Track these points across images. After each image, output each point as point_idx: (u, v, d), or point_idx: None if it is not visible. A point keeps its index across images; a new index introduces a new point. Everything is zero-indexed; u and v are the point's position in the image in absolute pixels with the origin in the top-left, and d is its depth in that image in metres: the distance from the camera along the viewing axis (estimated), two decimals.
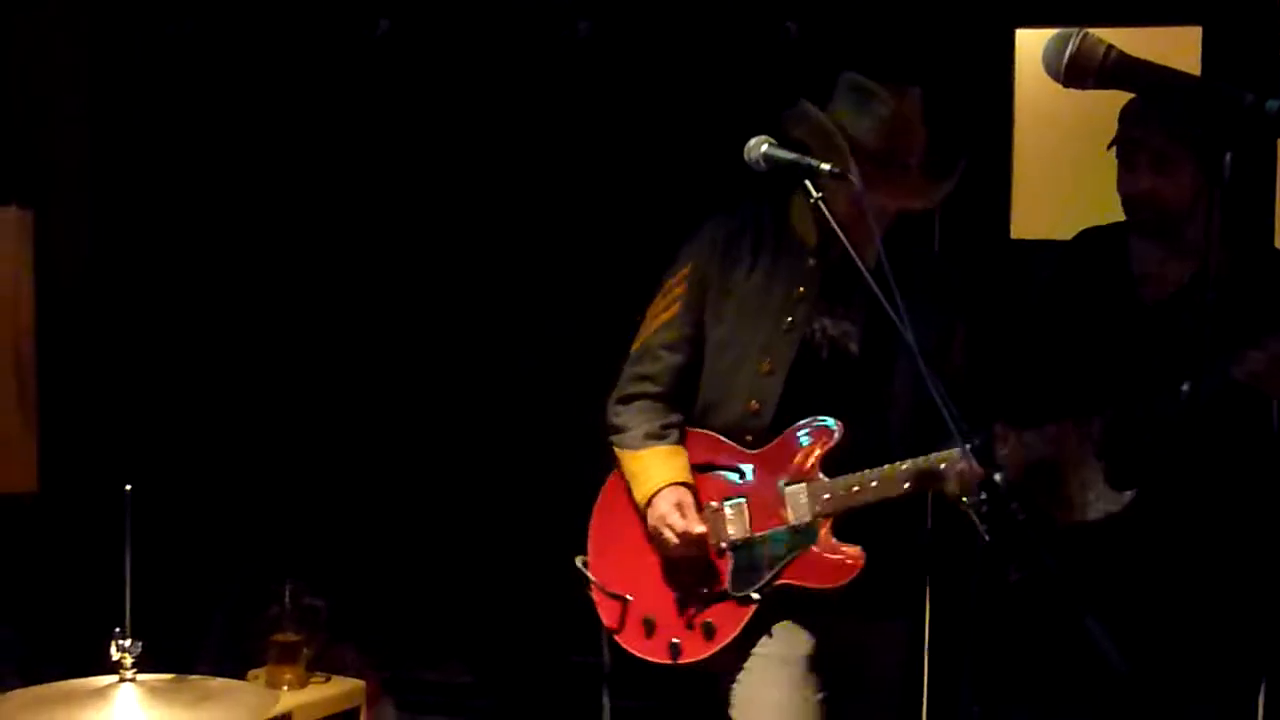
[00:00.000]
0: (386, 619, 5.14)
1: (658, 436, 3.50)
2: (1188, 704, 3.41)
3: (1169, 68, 2.28)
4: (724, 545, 3.40)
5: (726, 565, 3.40)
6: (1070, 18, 4.14)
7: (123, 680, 2.74)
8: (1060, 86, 2.39)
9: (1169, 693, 3.34)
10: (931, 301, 3.34)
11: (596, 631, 4.45)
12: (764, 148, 3.11)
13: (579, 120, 5.02)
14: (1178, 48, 4.41)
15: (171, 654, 3.14)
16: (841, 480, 3.30)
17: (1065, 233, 3.77)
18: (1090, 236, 3.68)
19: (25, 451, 4.67)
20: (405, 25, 5.10)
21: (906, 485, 3.24)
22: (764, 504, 3.38)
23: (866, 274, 2.89)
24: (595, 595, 3.57)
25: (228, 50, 5.24)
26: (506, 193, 5.14)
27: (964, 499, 2.81)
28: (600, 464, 3.65)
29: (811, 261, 3.38)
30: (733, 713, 3.43)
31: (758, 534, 3.37)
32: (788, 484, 3.35)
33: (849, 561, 3.28)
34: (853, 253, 2.94)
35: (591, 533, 3.63)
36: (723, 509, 3.42)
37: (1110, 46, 2.26)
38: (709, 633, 3.39)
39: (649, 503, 3.43)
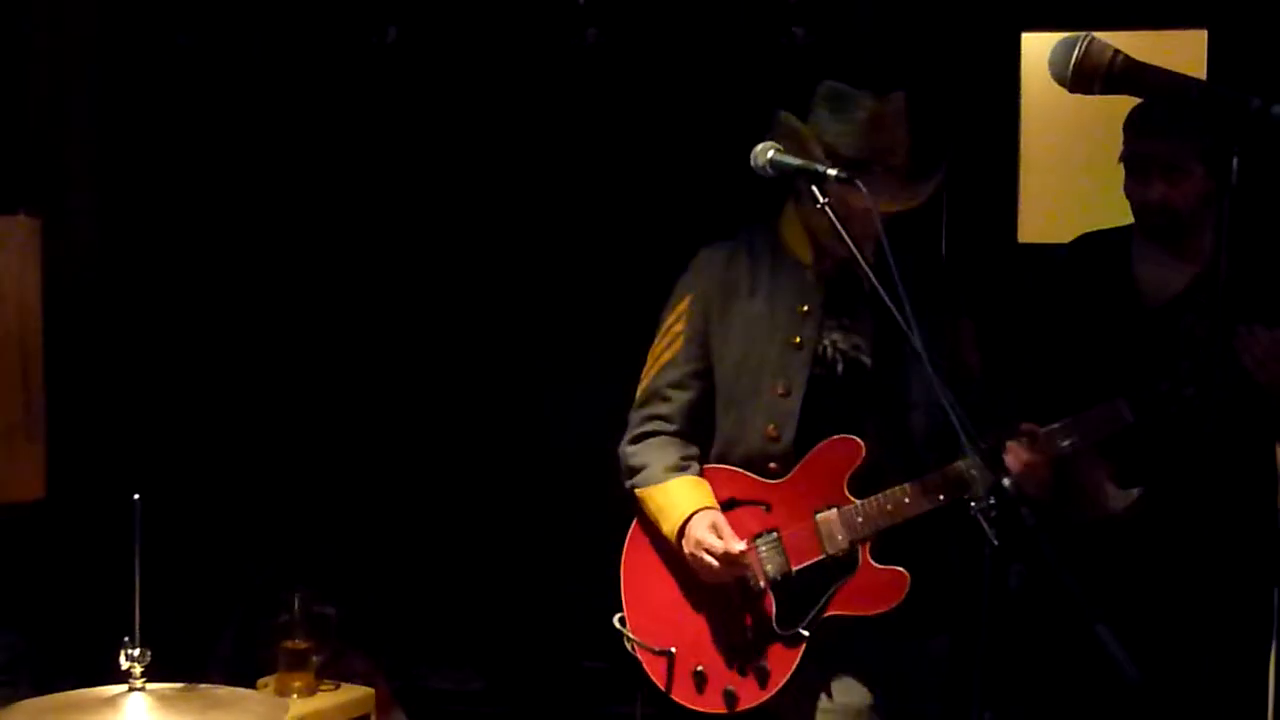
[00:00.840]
0: (397, 626, 5.14)
1: (678, 469, 3.39)
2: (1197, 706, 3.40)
3: (1175, 72, 2.28)
4: (763, 584, 3.29)
5: (769, 605, 3.28)
6: (1077, 21, 4.16)
7: (132, 689, 2.74)
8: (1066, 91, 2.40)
9: (1179, 698, 3.34)
10: (930, 302, 3.28)
11: (607, 638, 4.44)
12: (770, 154, 3.09)
13: (587, 127, 5.03)
14: (1184, 51, 4.41)
15: (181, 662, 3.13)
16: (873, 500, 3.22)
17: (1072, 236, 3.78)
18: (1090, 241, 3.68)
19: (33, 459, 4.67)
20: (413, 33, 5.11)
21: (941, 497, 3.19)
22: (798, 537, 3.28)
23: (870, 274, 2.88)
24: (640, 654, 3.41)
25: (236, 59, 5.25)
26: (514, 198, 5.15)
27: (972, 503, 2.79)
28: (612, 468, 3.57)
29: (810, 276, 3.34)
30: None
31: (796, 568, 3.27)
32: (819, 511, 3.27)
33: (895, 584, 3.20)
34: (859, 256, 2.92)
35: (624, 588, 3.48)
36: (756, 547, 3.31)
37: (1116, 51, 2.26)
38: (762, 677, 3.27)
39: (681, 532, 3.31)
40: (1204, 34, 4.48)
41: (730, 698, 3.29)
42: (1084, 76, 2.25)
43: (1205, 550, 3.38)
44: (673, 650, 3.36)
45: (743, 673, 3.29)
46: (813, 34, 4.73)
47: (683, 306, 3.43)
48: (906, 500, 3.20)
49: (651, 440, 3.45)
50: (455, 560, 5.21)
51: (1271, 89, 4.17)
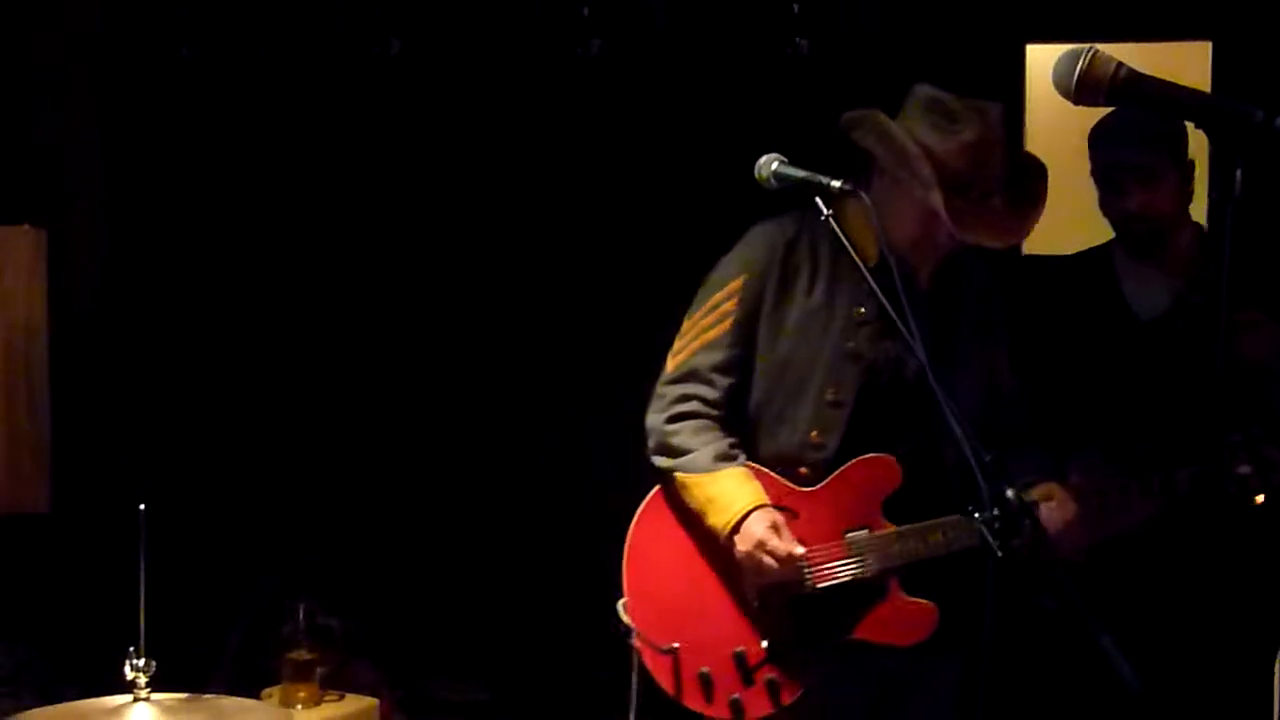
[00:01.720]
0: (403, 637, 5.13)
1: (729, 458, 3.17)
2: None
3: (1179, 84, 2.27)
4: (812, 589, 3.14)
5: (789, 618, 3.15)
6: (1081, 33, 4.16)
7: (137, 700, 2.74)
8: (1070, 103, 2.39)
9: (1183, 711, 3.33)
10: (987, 312, 3.25)
11: (614, 647, 4.43)
12: (775, 165, 2.99)
13: (590, 137, 5.04)
14: (1189, 63, 4.42)
15: (186, 673, 3.14)
16: (910, 530, 3.10)
17: (1077, 248, 3.78)
18: (1072, 261, 3.70)
19: (38, 472, 4.67)
20: (417, 44, 5.12)
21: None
22: (827, 554, 3.14)
23: (871, 280, 2.84)
24: (641, 648, 3.18)
25: (240, 71, 5.27)
26: (518, 208, 5.16)
27: (976, 514, 2.76)
28: (619, 478, 3.43)
29: (882, 281, 3.01)
30: None
31: (822, 585, 3.13)
32: (850, 530, 3.13)
33: (924, 618, 3.11)
34: (894, 264, 2.82)
35: (627, 573, 3.24)
36: None
37: (1120, 64, 2.25)
38: (773, 691, 3.14)
39: (735, 528, 3.10)
40: (1209, 46, 4.48)
41: (736, 707, 3.14)
42: (1088, 88, 2.24)
43: (1215, 557, 3.38)
44: (676, 647, 3.16)
45: (751, 684, 3.15)
46: (817, 45, 4.73)
47: (737, 285, 3.20)
48: (944, 535, 3.08)
49: (693, 422, 3.21)
50: (461, 571, 5.21)
51: (1276, 99, 4.19)
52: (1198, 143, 3.04)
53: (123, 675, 2.75)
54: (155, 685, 2.78)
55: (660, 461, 3.24)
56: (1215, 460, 2.98)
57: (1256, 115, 2.20)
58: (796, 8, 4.72)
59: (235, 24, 5.26)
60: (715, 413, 3.22)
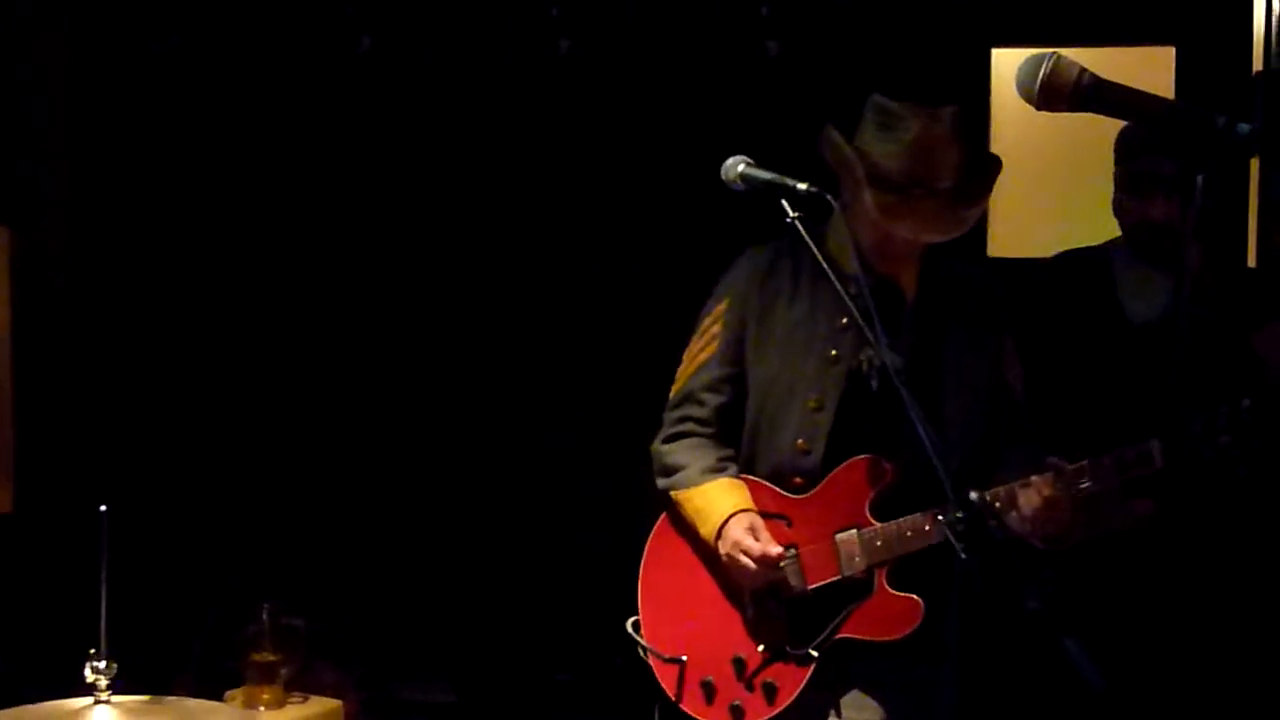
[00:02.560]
0: (369, 638, 5.12)
1: (716, 470, 3.30)
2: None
3: (1142, 91, 2.28)
4: (795, 592, 3.20)
5: (784, 621, 3.22)
6: (1046, 38, 4.19)
7: (98, 702, 2.73)
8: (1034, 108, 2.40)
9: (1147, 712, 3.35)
10: (981, 321, 3.26)
11: (578, 650, 4.44)
12: (740, 167, 3.00)
13: (559, 138, 5.04)
14: (1152, 67, 4.45)
15: (148, 675, 3.12)
16: (893, 525, 3.14)
17: (1042, 251, 3.80)
18: (1069, 260, 3.70)
19: (1, 472, 4.65)
20: (387, 42, 5.11)
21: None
22: (817, 555, 3.19)
23: (839, 285, 2.84)
24: (651, 661, 3.33)
25: (209, 67, 5.24)
26: (487, 206, 5.16)
27: (940, 516, 2.77)
28: (584, 479, 3.46)
29: (853, 289, 3.04)
30: None
31: (813, 586, 3.19)
32: (839, 531, 3.18)
33: (910, 611, 3.13)
34: (834, 277, 2.86)
35: (642, 592, 3.39)
36: None
37: (1083, 70, 2.26)
38: (770, 694, 3.20)
39: (719, 533, 3.22)
40: (1172, 51, 4.51)
41: (736, 711, 3.23)
42: (1051, 94, 2.25)
43: (1216, 559, 3.40)
44: (684, 659, 3.30)
45: (750, 688, 3.22)
46: (786, 47, 4.74)
47: (721, 308, 3.33)
48: (927, 528, 3.10)
49: (686, 441, 3.36)
50: (427, 572, 5.20)
51: (1240, 104, 4.22)
52: None
53: (83, 677, 2.73)
54: (117, 687, 2.77)
55: (660, 483, 3.38)
56: (1190, 430, 3.02)
57: (1218, 121, 2.21)
58: (765, 10, 4.73)
59: (204, 21, 5.24)
60: (708, 430, 3.34)
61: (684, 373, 3.39)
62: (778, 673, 3.22)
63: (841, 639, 3.18)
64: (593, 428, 5.00)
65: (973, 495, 2.56)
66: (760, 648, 3.24)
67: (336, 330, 5.27)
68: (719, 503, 3.24)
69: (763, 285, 3.30)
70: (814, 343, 3.24)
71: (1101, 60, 2.48)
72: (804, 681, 3.19)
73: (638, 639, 3.35)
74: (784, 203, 2.93)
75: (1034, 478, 3.10)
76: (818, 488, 3.22)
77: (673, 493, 3.34)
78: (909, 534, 3.12)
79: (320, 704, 4.18)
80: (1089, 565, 3.28)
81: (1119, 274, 3.59)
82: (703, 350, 3.35)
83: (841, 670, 3.21)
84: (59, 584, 4.66)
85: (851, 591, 3.18)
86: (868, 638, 3.17)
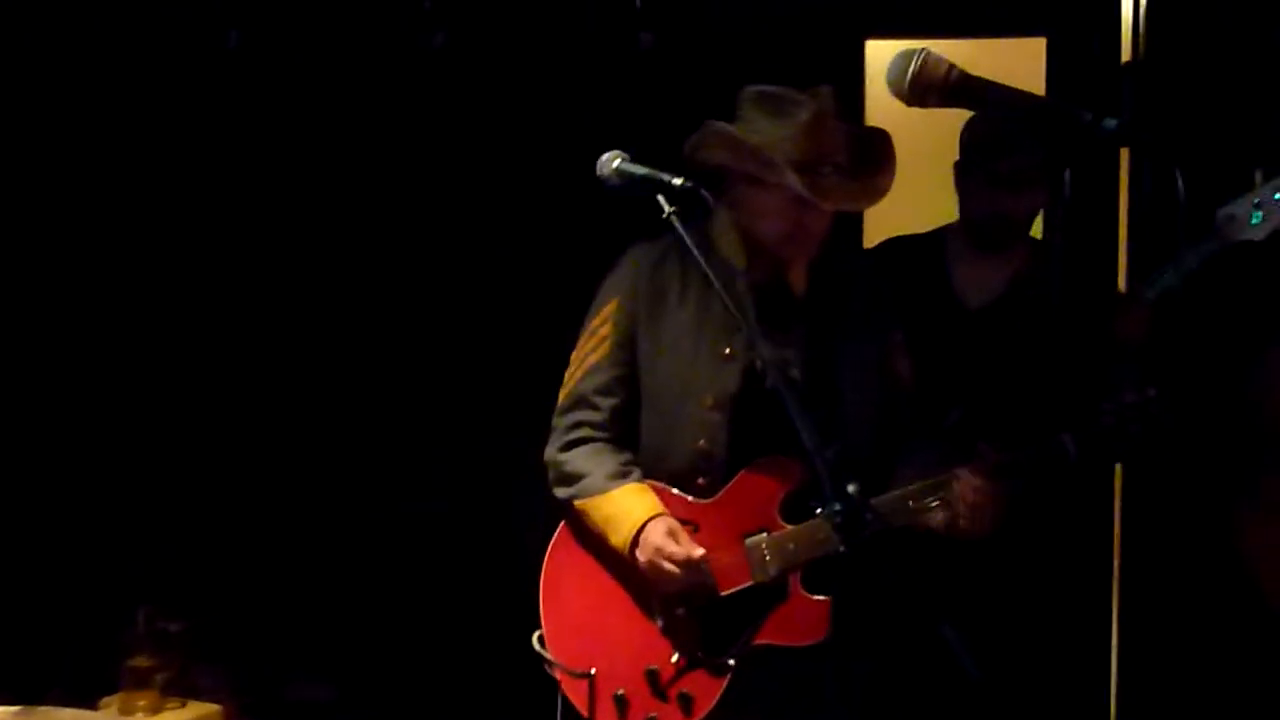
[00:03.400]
0: (250, 638, 5.06)
1: (621, 475, 3.21)
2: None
3: (1009, 87, 2.32)
4: (715, 595, 3.13)
5: (695, 629, 3.16)
6: (920, 29, 4.23)
7: None
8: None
9: (1022, 699, 3.40)
10: (870, 313, 3.24)
11: (462, 648, 4.41)
12: (616, 163, 2.96)
13: (432, 131, 5.01)
14: (1023, 58, 4.51)
15: (21, 683, 3.07)
16: (805, 527, 3.08)
17: None
18: (899, 246, 3.76)
19: None
20: (256, 37, 5.04)
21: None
22: (726, 561, 3.12)
23: (716, 282, 2.82)
24: (559, 677, 3.24)
25: (77, 61, 5.14)
26: (358, 202, 5.12)
27: (819, 509, 2.77)
28: (474, 472, 3.38)
29: (742, 284, 3.14)
30: None
31: (724, 593, 3.12)
32: (749, 535, 3.12)
33: (819, 617, 3.08)
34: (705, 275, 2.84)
35: (544, 605, 3.30)
36: None
37: (952, 66, 2.29)
38: (686, 705, 3.14)
39: (635, 540, 3.13)
40: (1043, 42, 4.58)
41: None
42: (920, 90, 2.28)
43: (1046, 547, 3.47)
44: (593, 672, 3.20)
45: (666, 699, 3.16)
46: (659, 39, 4.74)
47: (609, 309, 3.26)
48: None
49: (584, 448, 3.27)
50: (308, 571, 5.16)
51: (1109, 96, 4.29)
52: None
53: None
54: None
55: (559, 492, 3.29)
56: (1099, 421, 3.03)
57: (1085, 117, 2.25)
58: (639, 2, 4.73)
59: (74, 12, 5.12)
60: (604, 434, 3.27)
61: (573, 375, 3.31)
62: (693, 683, 3.15)
63: (759, 646, 3.13)
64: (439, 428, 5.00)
65: (850, 488, 2.56)
66: (674, 658, 3.17)
67: (206, 328, 5.20)
68: (631, 510, 3.16)
69: (650, 283, 3.24)
70: (705, 341, 3.19)
71: (974, 51, 2.51)
72: (720, 690, 3.13)
73: (543, 654, 3.25)
74: (660, 198, 2.89)
75: (960, 470, 3.08)
76: (724, 491, 3.17)
77: (577, 502, 3.25)
78: (821, 537, 3.05)
79: (198, 709, 4.14)
80: (961, 556, 3.29)
81: (951, 260, 3.65)
82: (593, 352, 3.28)
83: (754, 672, 3.15)
84: None
85: (765, 596, 3.13)
86: (784, 643, 3.12)
